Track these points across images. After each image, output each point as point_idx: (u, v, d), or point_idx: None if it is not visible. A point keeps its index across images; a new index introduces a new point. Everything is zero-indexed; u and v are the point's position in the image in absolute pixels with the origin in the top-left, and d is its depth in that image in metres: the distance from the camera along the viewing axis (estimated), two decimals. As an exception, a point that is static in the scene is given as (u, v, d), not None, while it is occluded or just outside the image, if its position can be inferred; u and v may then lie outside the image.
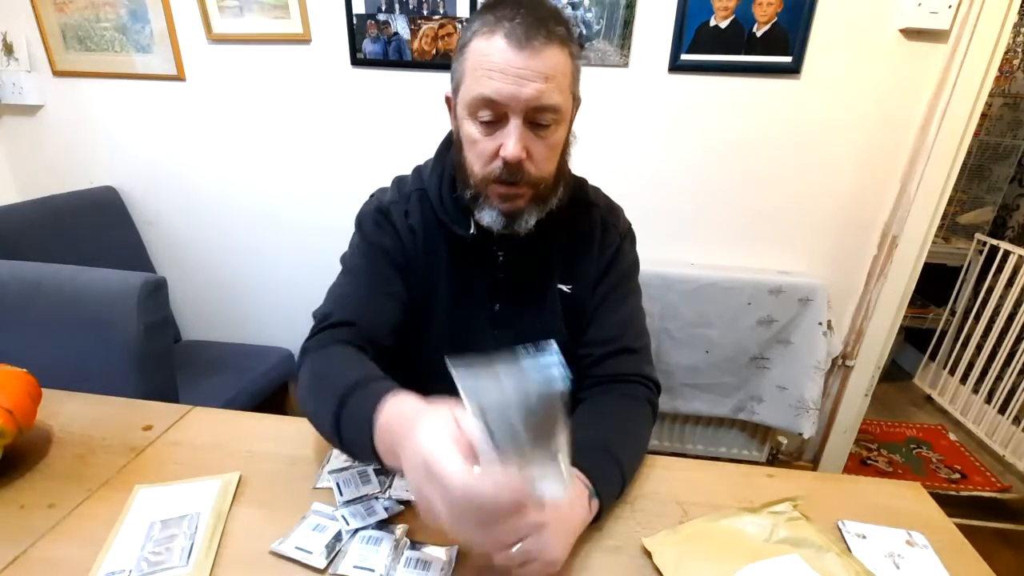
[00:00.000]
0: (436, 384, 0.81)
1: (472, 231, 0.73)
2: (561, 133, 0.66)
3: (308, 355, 0.68)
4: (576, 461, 0.59)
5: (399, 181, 0.80)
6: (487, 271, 0.76)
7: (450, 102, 0.70)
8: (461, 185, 0.70)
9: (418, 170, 0.80)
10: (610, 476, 0.62)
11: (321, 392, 0.62)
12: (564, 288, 0.78)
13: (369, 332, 0.71)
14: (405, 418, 0.49)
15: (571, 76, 0.64)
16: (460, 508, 0.39)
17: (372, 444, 0.52)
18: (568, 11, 1.35)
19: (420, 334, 0.79)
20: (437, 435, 0.42)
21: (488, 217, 0.69)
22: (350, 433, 0.56)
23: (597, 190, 0.84)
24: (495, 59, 0.59)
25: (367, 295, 0.74)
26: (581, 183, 0.82)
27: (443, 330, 0.78)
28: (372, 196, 0.80)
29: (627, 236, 0.83)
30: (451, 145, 0.73)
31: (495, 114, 0.62)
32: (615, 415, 0.72)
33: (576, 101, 0.69)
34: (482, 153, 0.65)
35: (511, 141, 0.62)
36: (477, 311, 0.78)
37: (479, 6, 0.64)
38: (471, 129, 0.65)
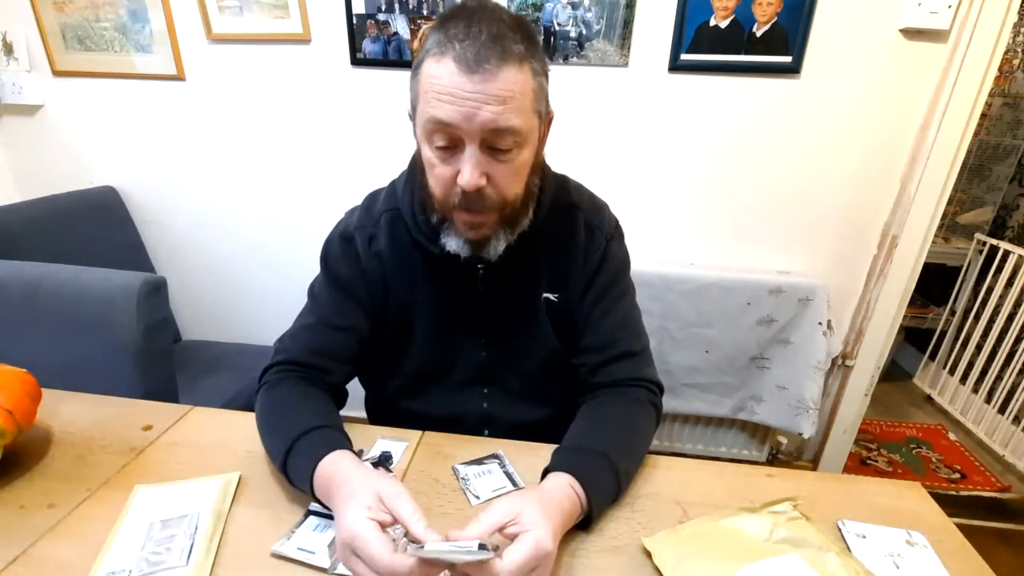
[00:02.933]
0: (420, 390, 0.81)
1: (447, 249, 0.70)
2: (526, 155, 0.62)
3: (263, 391, 0.72)
4: (572, 466, 0.60)
5: (370, 200, 0.79)
6: (468, 286, 0.75)
7: (412, 119, 0.66)
8: (428, 209, 0.68)
9: (392, 186, 0.78)
10: (605, 488, 0.62)
11: (272, 435, 0.67)
12: (551, 297, 0.76)
13: (318, 369, 0.74)
14: (335, 483, 0.56)
15: (533, 94, 0.59)
16: None
17: (313, 491, 0.59)
18: (568, 11, 1.35)
19: (404, 348, 0.79)
20: (360, 518, 0.48)
21: (454, 244, 0.67)
22: (296, 479, 0.62)
23: (580, 188, 0.81)
24: (445, 83, 0.56)
25: (319, 332, 0.76)
26: (562, 183, 0.78)
27: (426, 345, 0.78)
28: (341, 220, 0.79)
29: (614, 236, 0.79)
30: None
31: (450, 139, 0.59)
32: (615, 419, 0.71)
33: (544, 117, 0.65)
34: (441, 178, 0.62)
35: (467, 169, 0.59)
36: (462, 325, 0.77)
37: (434, 22, 0.60)
38: (429, 153, 0.62)
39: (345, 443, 0.63)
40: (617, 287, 0.79)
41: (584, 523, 0.60)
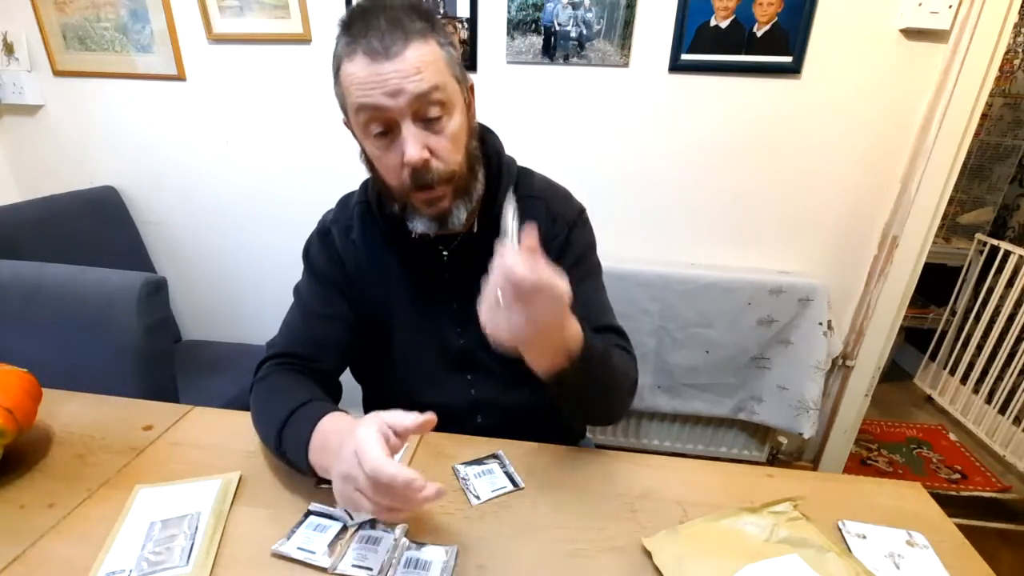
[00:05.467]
0: (408, 380, 0.82)
1: (414, 235, 0.73)
2: (457, 121, 0.65)
3: (255, 386, 0.74)
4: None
5: (344, 198, 0.83)
6: (435, 271, 0.77)
7: (348, 125, 0.70)
8: (387, 202, 0.71)
9: (365, 183, 0.80)
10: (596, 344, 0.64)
11: (265, 419, 0.69)
12: None
13: (309, 359, 0.76)
14: (337, 436, 0.57)
15: (445, 61, 0.63)
16: (373, 480, 0.48)
17: (308, 460, 0.60)
18: (568, 11, 1.35)
19: (388, 339, 0.81)
20: (369, 432, 0.51)
21: (420, 225, 0.69)
22: (292, 453, 0.63)
23: (543, 179, 0.83)
24: (363, 75, 0.60)
25: (306, 323, 0.78)
26: (523, 174, 0.81)
27: (407, 334, 0.80)
28: (319, 221, 0.82)
29: (576, 223, 0.80)
30: None
31: (385, 123, 0.62)
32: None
33: (464, 84, 0.68)
34: (389, 167, 0.65)
35: (408, 145, 0.62)
36: (438, 310, 0.79)
37: (339, 24, 0.66)
38: (371, 148, 0.66)
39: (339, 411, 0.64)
40: (580, 269, 0.79)
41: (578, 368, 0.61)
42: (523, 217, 0.77)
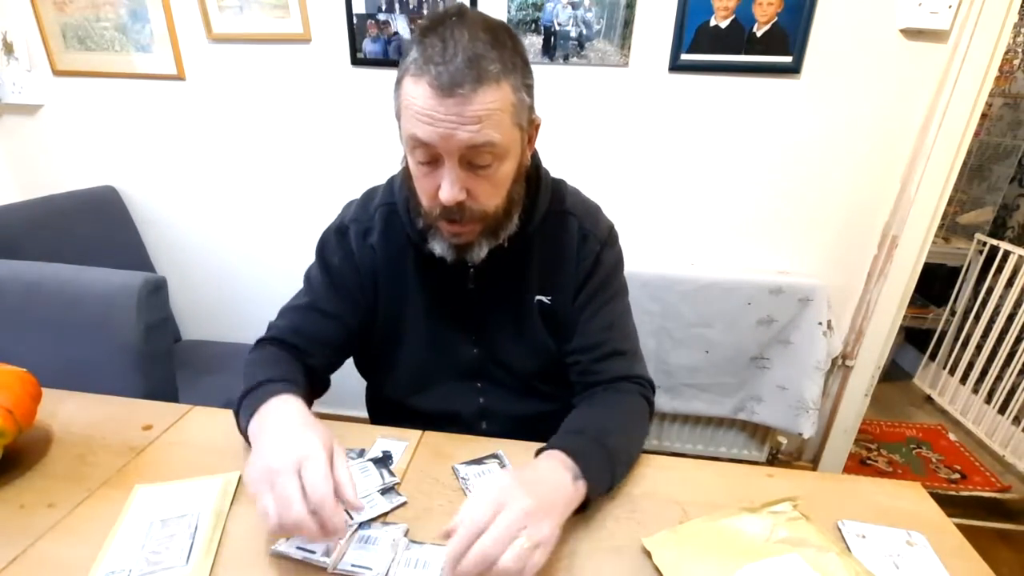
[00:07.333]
0: (415, 383, 0.82)
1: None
2: (507, 167, 0.63)
3: (246, 360, 0.76)
4: (559, 445, 0.62)
5: (368, 195, 0.81)
6: (458, 284, 0.76)
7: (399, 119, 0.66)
8: (414, 213, 0.70)
9: (390, 182, 0.79)
10: (596, 460, 0.62)
11: (243, 382, 0.70)
12: (544, 300, 0.78)
13: (302, 351, 0.76)
14: (297, 416, 0.59)
15: (513, 109, 0.60)
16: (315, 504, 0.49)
17: (247, 428, 0.63)
18: (568, 11, 1.35)
19: (397, 344, 0.80)
20: (321, 445, 0.53)
21: (439, 248, 0.69)
22: (244, 416, 0.64)
23: (576, 194, 0.82)
24: (421, 104, 0.57)
25: (307, 317, 0.78)
26: (558, 188, 0.79)
27: (418, 340, 0.79)
28: (338, 214, 0.81)
29: (607, 242, 0.79)
30: None
31: (430, 155, 0.60)
32: (604, 407, 0.72)
33: (527, 128, 0.65)
34: (424, 190, 0.64)
35: (446, 185, 0.60)
36: (456, 320, 0.79)
37: (416, 29, 0.60)
38: (412, 165, 0.64)
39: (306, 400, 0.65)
40: (607, 290, 0.79)
41: (584, 505, 0.60)
42: (555, 232, 0.77)
